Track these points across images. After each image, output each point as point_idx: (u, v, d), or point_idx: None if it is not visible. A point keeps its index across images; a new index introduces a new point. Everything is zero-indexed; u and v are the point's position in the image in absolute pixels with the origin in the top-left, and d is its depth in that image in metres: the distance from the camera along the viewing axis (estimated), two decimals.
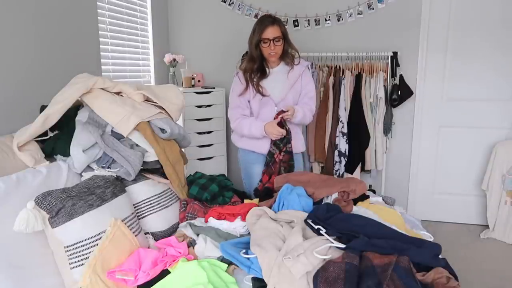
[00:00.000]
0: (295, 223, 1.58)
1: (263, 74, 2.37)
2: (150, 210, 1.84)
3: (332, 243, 1.41)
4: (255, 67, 2.35)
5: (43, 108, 1.84)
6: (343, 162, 3.27)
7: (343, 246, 1.39)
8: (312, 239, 1.43)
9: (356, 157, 3.31)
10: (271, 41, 2.27)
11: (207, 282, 1.34)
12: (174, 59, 3.38)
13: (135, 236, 1.60)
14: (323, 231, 1.48)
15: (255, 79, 2.35)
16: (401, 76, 3.33)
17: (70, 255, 1.40)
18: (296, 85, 2.39)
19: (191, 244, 1.66)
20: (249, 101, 2.39)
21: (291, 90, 2.37)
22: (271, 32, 2.27)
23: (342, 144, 3.25)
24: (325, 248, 1.38)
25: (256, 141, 2.37)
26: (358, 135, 3.29)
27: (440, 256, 1.38)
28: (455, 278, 1.29)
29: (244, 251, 1.46)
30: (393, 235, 1.48)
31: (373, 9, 3.38)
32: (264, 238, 1.46)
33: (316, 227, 1.51)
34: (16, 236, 1.34)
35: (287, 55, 2.38)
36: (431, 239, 1.58)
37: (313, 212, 1.63)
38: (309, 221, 1.55)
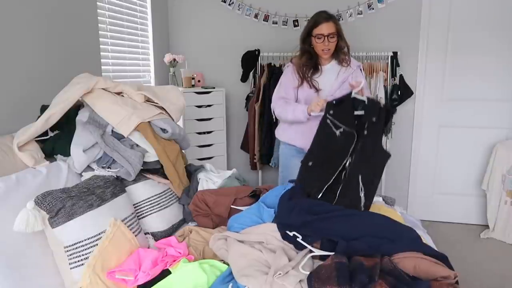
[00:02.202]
0: (275, 246, 1.52)
1: (315, 70, 2.32)
2: (150, 210, 1.85)
3: (314, 253, 1.42)
4: (307, 61, 2.30)
5: (43, 108, 1.84)
6: None
7: (328, 253, 1.41)
8: (297, 257, 1.43)
9: None
10: (326, 37, 2.22)
11: (207, 284, 1.34)
12: (174, 59, 3.37)
13: (135, 236, 1.60)
14: (299, 238, 1.48)
15: (308, 75, 2.30)
16: (401, 76, 3.33)
17: (70, 255, 1.40)
18: (345, 85, 2.30)
19: None
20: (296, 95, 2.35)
21: (339, 89, 2.30)
22: (326, 28, 2.21)
23: None
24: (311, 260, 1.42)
25: (300, 136, 2.32)
26: None
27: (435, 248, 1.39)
28: (455, 277, 1.30)
29: (231, 285, 1.37)
30: (368, 232, 1.51)
31: (373, 9, 3.38)
32: (247, 267, 1.40)
33: (291, 233, 1.50)
34: (16, 236, 1.34)
35: (339, 54, 2.33)
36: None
37: (281, 220, 1.60)
38: (283, 232, 1.53)
